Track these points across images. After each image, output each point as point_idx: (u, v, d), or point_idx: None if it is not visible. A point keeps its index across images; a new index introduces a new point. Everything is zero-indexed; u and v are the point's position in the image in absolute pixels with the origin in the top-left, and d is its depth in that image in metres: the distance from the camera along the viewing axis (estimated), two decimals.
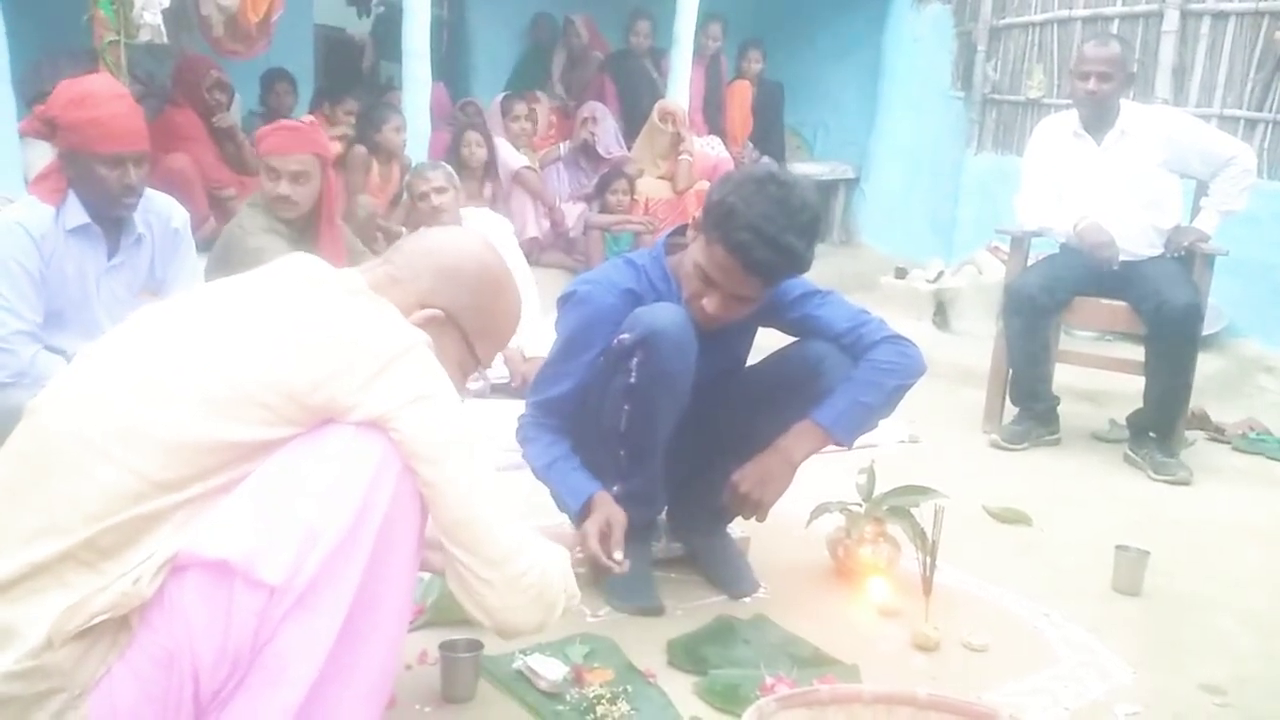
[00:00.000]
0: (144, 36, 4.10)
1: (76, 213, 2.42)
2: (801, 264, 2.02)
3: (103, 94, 2.39)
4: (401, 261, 1.50)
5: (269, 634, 1.21)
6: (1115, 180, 3.62)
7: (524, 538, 1.44)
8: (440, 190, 3.91)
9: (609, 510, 2.02)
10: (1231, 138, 3.89)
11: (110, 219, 2.47)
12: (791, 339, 2.29)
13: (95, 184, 2.39)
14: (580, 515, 2.05)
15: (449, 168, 4.13)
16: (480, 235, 1.64)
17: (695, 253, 2.05)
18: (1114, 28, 5.48)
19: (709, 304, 2.04)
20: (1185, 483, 3.40)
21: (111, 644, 1.21)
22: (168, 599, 1.21)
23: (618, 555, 1.98)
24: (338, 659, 1.25)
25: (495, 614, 1.44)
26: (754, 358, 2.36)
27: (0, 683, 1.18)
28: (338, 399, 1.29)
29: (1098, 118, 3.64)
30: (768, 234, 1.93)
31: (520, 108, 5.74)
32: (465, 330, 1.51)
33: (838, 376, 2.15)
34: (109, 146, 2.36)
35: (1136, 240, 3.63)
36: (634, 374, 2.01)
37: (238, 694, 1.23)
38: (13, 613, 1.21)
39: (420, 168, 4.07)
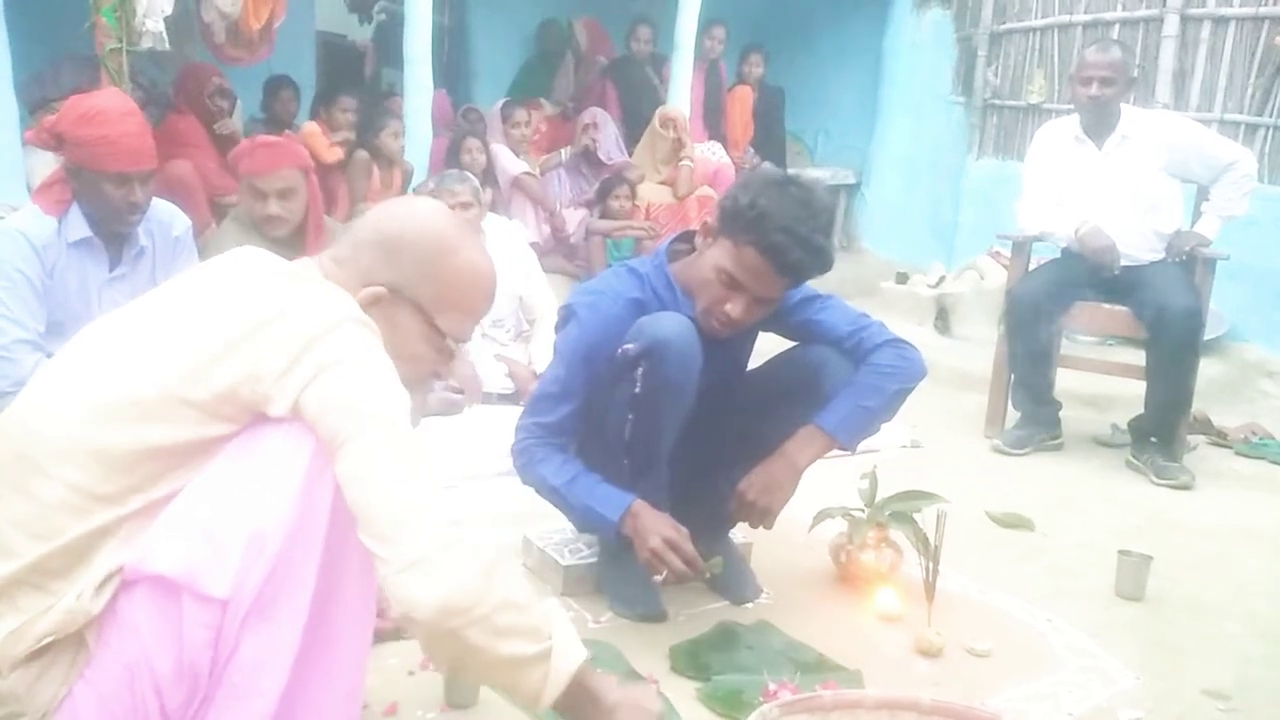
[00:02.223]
0: (146, 44, 4.10)
1: (79, 225, 2.42)
2: (829, 263, 2.05)
3: (113, 112, 2.39)
4: (344, 242, 1.44)
5: (231, 646, 1.18)
6: (1116, 185, 3.62)
7: (420, 516, 1.22)
8: (466, 205, 3.89)
9: (660, 518, 2.01)
10: (1232, 142, 3.90)
11: (112, 233, 2.48)
12: (791, 344, 2.30)
13: (100, 200, 2.39)
14: (619, 526, 2.02)
15: (475, 181, 4.09)
16: (430, 200, 1.54)
17: (717, 259, 2.04)
18: (1114, 33, 5.48)
19: (734, 309, 2.04)
20: (1187, 487, 3.39)
21: (70, 664, 1.19)
22: (121, 615, 1.19)
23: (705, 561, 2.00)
24: (307, 662, 1.22)
25: (393, 591, 1.21)
26: (753, 363, 2.36)
27: None
28: (260, 391, 1.23)
29: (1099, 122, 3.65)
30: (800, 235, 1.96)
31: (520, 114, 5.74)
32: (419, 302, 1.41)
33: (839, 381, 2.15)
34: (116, 165, 2.35)
35: (1138, 245, 3.63)
36: (639, 384, 2.00)
37: (208, 710, 1.20)
38: None
39: (447, 180, 3.99)
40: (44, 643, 1.17)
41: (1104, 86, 3.57)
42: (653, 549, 1.96)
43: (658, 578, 2.02)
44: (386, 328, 1.34)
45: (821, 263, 2.02)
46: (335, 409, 1.22)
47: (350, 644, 1.29)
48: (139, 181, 2.39)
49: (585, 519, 2.11)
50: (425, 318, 1.42)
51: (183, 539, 1.19)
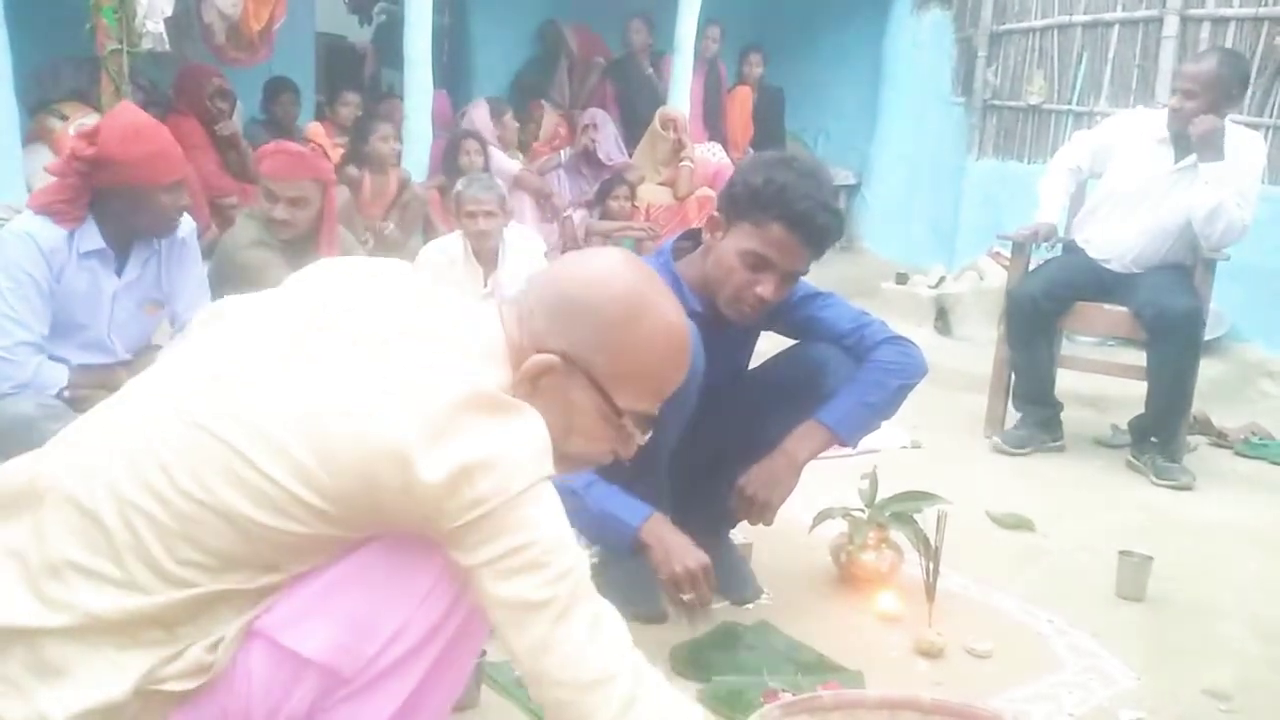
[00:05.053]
0: (146, 45, 4.11)
1: (92, 237, 2.43)
2: (844, 228, 2.13)
3: (148, 125, 2.44)
4: (530, 292, 1.29)
5: (327, 706, 1.17)
6: (1167, 201, 3.56)
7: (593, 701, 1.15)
8: (489, 215, 3.89)
9: (684, 540, 1.97)
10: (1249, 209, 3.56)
11: (123, 241, 2.49)
12: (792, 342, 2.30)
13: (153, 212, 2.44)
14: (637, 532, 1.97)
15: (502, 189, 4.07)
16: (616, 254, 1.37)
17: (738, 244, 2.04)
18: (1114, 33, 5.49)
19: (765, 289, 2.04)
20: (1187, 488, 3.39)
21: (180, 696, 1.16)
22: (237, 661, 1.16)
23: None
24: None
25: None
26: (754, 362, 2.36)
27: None
28: (428, 533, 1.14)
29: (1184, 135, 3.49)
30: (820, 200, 2.01)
31: (507, 111, 5.79)
32: (594, 375, 1.25)
33: (841, 377, 2.16)
34: (171, 175, 2.42)
35: (1150, 259, 3.62)
36: None
37: None
38: (69, 653, 1.13)
39: (473, 185, 3.98)
40: (176, 688, 1.14)
41: (1185, 99, 3.42)
42: (689, 572, 1.92)
43: (686, 597, 1.95)
44: (558, 399, 1.24)
45: (840, 228, 2.09)
46: (510, 604, 1.13)
47: (430, 714, 1.26)
48: (182, 184, 2.47)
49: (601, 524, 2.04)
50: (600, 393, 1.26)
51: (331, 624, 1.15)
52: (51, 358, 2.41)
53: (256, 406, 1.14)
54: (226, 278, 2.91)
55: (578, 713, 1.15)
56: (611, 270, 1.29)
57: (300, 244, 3.02)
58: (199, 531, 1.13)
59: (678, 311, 1.31)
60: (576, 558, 1.16)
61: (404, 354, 1.16)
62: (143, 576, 1.14)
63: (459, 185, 4.04)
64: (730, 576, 2.32)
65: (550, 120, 6.37)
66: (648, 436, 1.34)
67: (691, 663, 1.98)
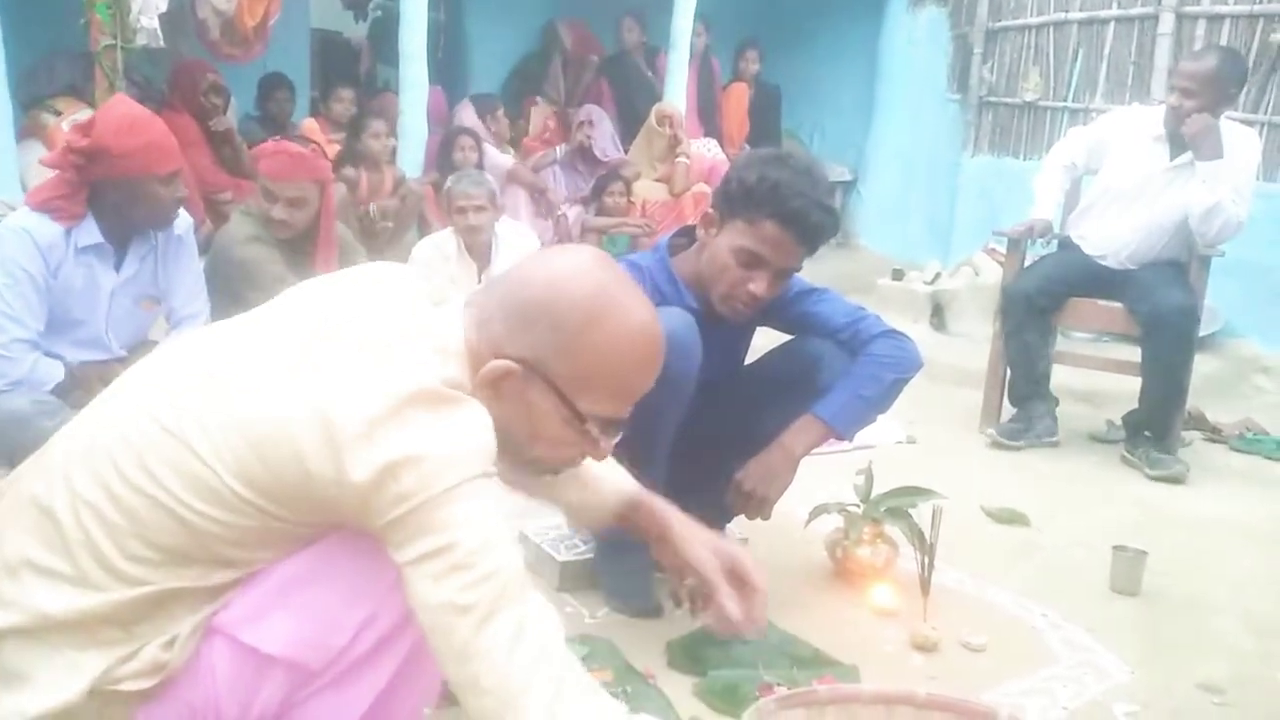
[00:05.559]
0: (141, 40, 4.11)
1: (91, 233, 2.42)
2: (838, 225, 2.12)
3: (143, 116, 2.44)
4: (491, 291, 1.26)
5: (301, 699, 1.17)
6: (1163, 198, 3.56)
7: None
8: (480, 209, 3.90)
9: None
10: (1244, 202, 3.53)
11: (123, 237, 2.49)
12: (788, 337, 2.30)
13: (151, 204, 2.43)
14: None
15: (492, 184, 4.08)
16: (583, 253, 1.30)
17: (731, 241, 2.05)
18: (1109, 30, 5.50)
19: (758, 286, 2.05)
20: (1180, 479, 3.40)
21: (142, 695, 1.16)
22: (200, 657, 1.16)
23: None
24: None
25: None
26: (750, 358, 2.37)
27: None
28: (367, 530, 1.13)
29: (1180, 133, 3.49)
30: (814, 198, 2.01)
31: (499, 107, 5.83)
32: (553, 379, 1.21)
33: (836, 371, 2.16)
34: (167, 165, 2.42)
35: (1144, 254, 3.63)
36: None
37: None
38: (28, 657, 1.13)
39: (463, 180, 4.00)
40: (125, 688, 1.14)
41: (1184, 97, 3.43)
42: None
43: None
44: (519, 404, 1.21)
45: (834, 225, 2.09)
46: (434, 607, 1.10)
47: (410, 705, 1.26)
48: (179, 176, 2.47)
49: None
50: (561, 398, 1.22)
51: (292, 619, 1.15)
52: (47, 354, 2.41)
53: (220, 406, 1.14)
54: (223, 274, 2.91)
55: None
56: (571, 270, 1.24)
57: (297, 242, 3.02)
58: (147, 528, 1.13)
59: (645, 311, 1.25)
60: (504, 560, 1.11)
61: (364, 355, 1.15)
62: (95, 574, 1.13)
63: (449, 181, 4.05)
64: None
65: (540, 114, 6.38)
66: (615, 440, 1.31)
67: (687, 657, 1.98)
